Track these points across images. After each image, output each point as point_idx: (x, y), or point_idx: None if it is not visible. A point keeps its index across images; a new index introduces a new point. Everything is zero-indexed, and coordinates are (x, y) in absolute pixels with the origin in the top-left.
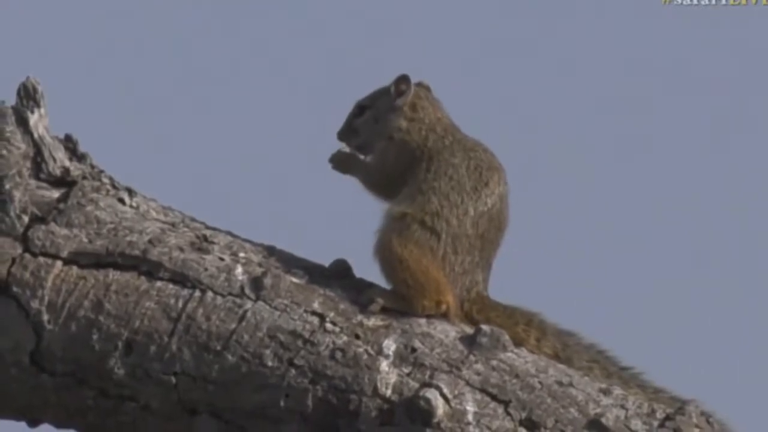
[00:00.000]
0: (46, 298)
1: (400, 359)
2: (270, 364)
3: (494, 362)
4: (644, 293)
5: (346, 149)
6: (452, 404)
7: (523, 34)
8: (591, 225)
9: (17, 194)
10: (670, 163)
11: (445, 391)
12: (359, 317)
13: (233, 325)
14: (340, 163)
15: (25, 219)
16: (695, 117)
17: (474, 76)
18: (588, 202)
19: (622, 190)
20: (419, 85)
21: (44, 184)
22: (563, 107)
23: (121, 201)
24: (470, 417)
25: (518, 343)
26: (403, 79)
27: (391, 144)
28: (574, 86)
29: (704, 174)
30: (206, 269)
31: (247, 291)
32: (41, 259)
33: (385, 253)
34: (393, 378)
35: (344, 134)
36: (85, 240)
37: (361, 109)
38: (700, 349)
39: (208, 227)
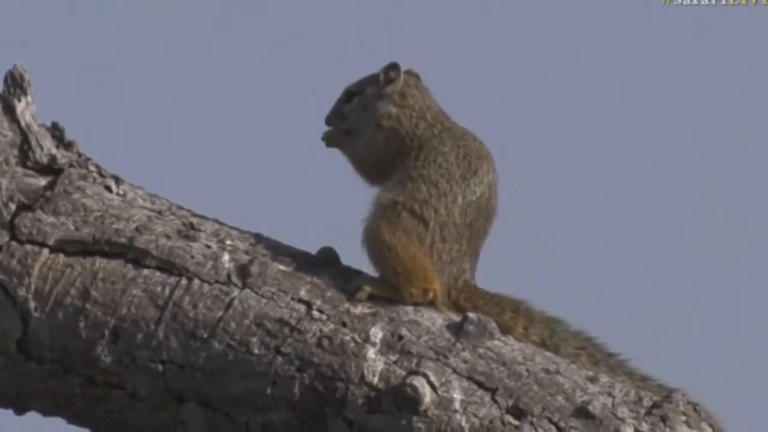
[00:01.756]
0: (33, 286)
1: (387, 347)
2: (257, 351)
3: (481, 350)
4: (632, 281)
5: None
6: (439, 392)
7: (522, 32)
8: (580, 214)
9: (4, 182)
10: (669, 163)
11: (432, 378)
12: (346, 305)
13: (220, 313)
14: (332, 140)
15: (12, 207)
16: (695, 117)
17: (471, 72)
18: (579, 194)
19: (617, 188)
20: (408, 72)
21: (31, 172)
22: (562, 106)
23: (108, 189)
24: (457, 405)
25: (505, 330)
26: (393, 67)
27: (379, 131)
28: (572, 85)
29: (703, 173)
30: (193, 257)
31: (234, 278)
32: (28, 246)
33: (373, 240)
34: (380, 366)
35: (332, 119)
36: (72, 228)
37: (349, 95)
38: (687, 337)
39: (194, 215)
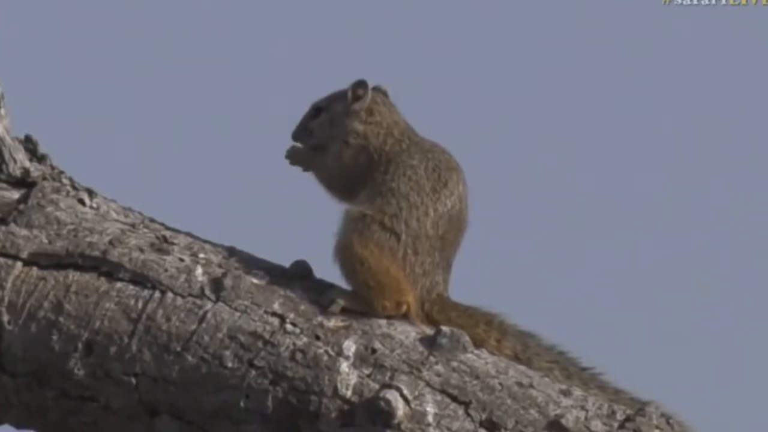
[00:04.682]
0: (6, 299)
1: (360, 360)
2: (230, 365)
3: (454, 363)
4: (605, 294)
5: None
6: (412, 405)
7: (521, 33)
8: (553, 226)
9: None
10: (669, 163)
11: (406, 392)
12: (319, 318)
13: (193, 326)
14: (297, 159)
15: None
16: (695, 117)
17: (472, 74)
18: (556, 204)
19: (600, 196)
20: (376, 89)
21: (4, 185)
22: (562, 107)
23: (81, 202)
24: (430, 418)
25: (478, 344)
26: (360, 84)
27: (347, 148)
28: (573, 86)
29: (702, 174)
30: (166, 270)
31: (207, 292)
32: (1, 259)
33: (345, 254)
34: (353, 379)
35: (299, 135)
36: (46, 241)
37: (316, 111)
38: (661, 349)
39: (168, 228)
